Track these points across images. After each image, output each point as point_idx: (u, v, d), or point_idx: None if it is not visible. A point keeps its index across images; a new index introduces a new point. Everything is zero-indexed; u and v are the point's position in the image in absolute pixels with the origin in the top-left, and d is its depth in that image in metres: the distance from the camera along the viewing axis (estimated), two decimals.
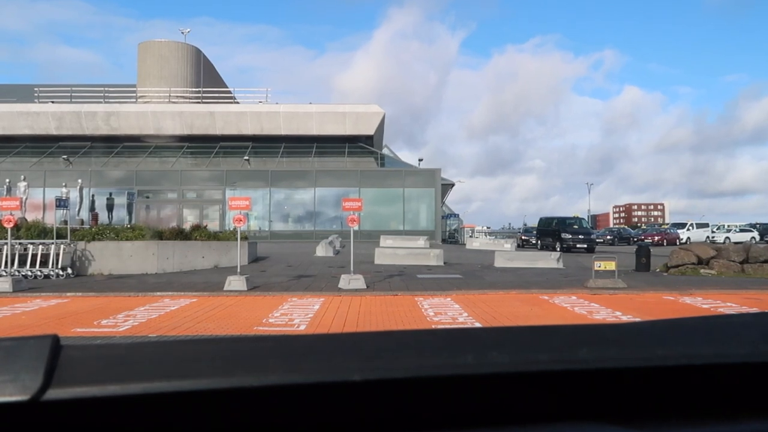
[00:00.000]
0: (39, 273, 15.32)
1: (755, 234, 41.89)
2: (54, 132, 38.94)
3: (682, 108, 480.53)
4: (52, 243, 15.77)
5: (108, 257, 16.67)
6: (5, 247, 14.35)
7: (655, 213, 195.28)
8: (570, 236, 28.68)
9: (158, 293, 12.27)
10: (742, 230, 43.07)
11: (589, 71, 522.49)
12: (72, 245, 16.28)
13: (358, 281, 13.15)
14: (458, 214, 55.21)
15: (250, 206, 15.21)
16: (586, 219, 44.09)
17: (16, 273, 14.57)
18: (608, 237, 44.12)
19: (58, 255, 15.72)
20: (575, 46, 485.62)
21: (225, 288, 12.74)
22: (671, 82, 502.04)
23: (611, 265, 14.01)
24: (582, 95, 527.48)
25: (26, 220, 18.55)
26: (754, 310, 9.88)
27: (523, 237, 39.03)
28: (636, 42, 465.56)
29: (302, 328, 8.55)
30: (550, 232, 30.53)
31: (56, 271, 15.51)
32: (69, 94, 41.54)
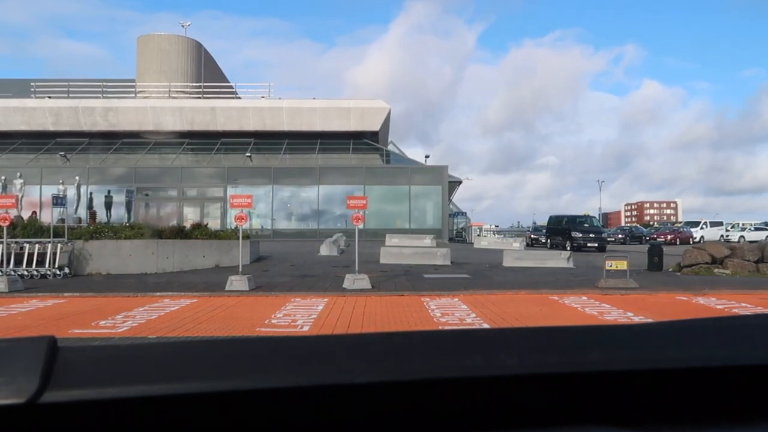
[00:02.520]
0: (35, 273, 15.25)
1: None
2: (51, 128, 38.55)
3: (701, 104, 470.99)
4: (49, 242, 15.68)
5: (106, 256, 16.60)
6: (0, 246, 14.29)
7: (668, 211, 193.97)
8: (580, 235, 28.45)
9: (158, 293, 12.21)
10: (757, 228, 41.86)
11: (609, 66, 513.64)
12: (69, 244, 16.20)
13: (362, 281, 13.06)
14: (465, 212, 55.28)
15: (252, 204, 15.20)
16: (597, 217, 44.03)
17: (12, 273, 14.46)
18: (620, 236, 43.84)
19: (55, 254, 15.63)
20: (596, 40, 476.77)
21: (226, 288, 12.69)
22: (691, 78, 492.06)
23: (623, 265, 13.83)
24: (601, 90, 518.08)
25: (22, 218, 18.54)
26: None
27: (532, 236, 38.84)
28: (658, 36, 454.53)
29: (305, 329, 8.49)
30: (560, 231, 30.27)
31: (53, 270, 15.41)
32: (66, 89, 41.05)
